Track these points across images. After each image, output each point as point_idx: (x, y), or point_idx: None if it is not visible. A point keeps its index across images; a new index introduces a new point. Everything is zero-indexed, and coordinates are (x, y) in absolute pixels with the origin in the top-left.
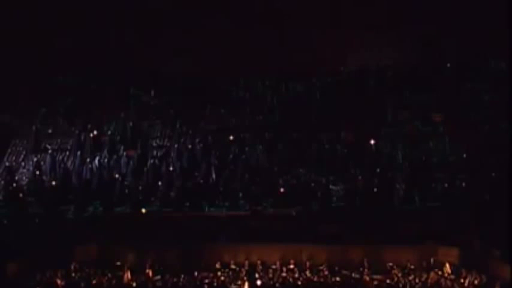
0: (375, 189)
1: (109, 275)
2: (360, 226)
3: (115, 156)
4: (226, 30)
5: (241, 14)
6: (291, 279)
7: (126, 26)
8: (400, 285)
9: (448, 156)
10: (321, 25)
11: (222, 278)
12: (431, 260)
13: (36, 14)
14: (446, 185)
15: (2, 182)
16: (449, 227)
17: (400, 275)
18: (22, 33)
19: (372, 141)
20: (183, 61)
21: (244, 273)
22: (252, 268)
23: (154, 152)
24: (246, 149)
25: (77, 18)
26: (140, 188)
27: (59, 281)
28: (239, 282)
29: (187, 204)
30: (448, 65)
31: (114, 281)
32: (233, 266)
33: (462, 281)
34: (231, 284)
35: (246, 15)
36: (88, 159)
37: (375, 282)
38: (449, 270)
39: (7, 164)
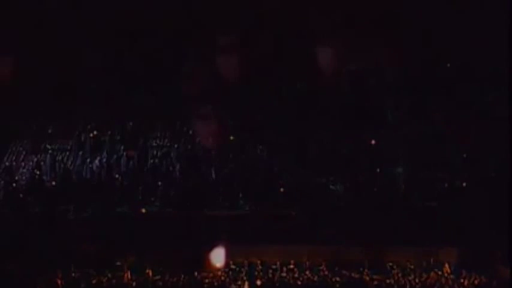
0: (375, 189)
1: (109, 275)
2: (360, 226)
3: (115, 156)
4: (226, 30)
5: (241, 14)
6: (291, 279)
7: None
8: (400, 285)
9: (448, 156)
10: (320, 25)
11: (222, 278)
12: (431, 260)
13: (36, 14)
14: (446, 185)
15: (2, 182)
16: (449, 227)
17: (400, 275)
18: (22, 33)
19: (372, 141)
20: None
21: (244, 273)
22: (252, 268)
23: (154, 152)
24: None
25: (77, 18)
26: (140, 188)
27: (59, 281)
28: (239, 282)
29: (187, 204)
30: (448, 65)
31: (114, 281)
32: (233, 266)
33: (462, 281)
34: (231, 284)
35: (246, 16)
36: (88, 159)
37: (375, 282)
38: (449, 270)
39: (7, 164)
